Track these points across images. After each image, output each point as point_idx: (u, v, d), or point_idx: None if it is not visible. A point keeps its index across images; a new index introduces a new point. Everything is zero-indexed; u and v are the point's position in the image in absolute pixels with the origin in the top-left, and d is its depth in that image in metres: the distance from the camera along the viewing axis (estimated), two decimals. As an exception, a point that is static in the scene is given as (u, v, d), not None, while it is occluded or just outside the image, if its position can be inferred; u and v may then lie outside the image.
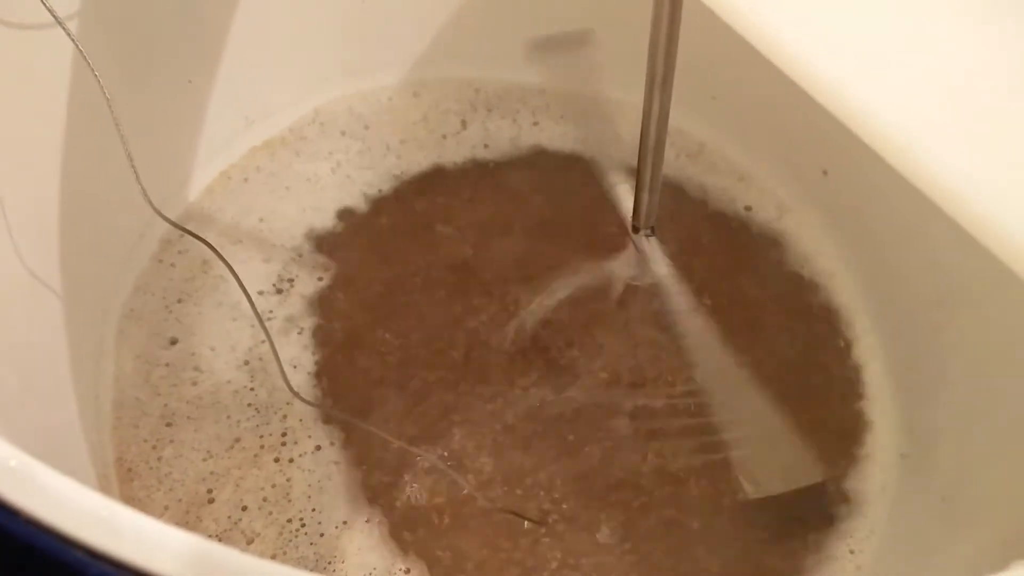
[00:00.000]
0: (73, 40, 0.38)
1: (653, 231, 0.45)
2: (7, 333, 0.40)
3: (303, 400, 0.48)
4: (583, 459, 0.52)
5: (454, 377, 0.55)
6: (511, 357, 0.56)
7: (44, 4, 0.39)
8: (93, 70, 0.38)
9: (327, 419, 0.53)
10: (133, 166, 0.35)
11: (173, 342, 0.55)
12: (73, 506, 0.17)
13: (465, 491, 0.49)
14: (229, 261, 0.55)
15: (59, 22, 0.39)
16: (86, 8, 0.45)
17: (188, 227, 0.61)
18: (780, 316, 0.58)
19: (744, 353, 0.55)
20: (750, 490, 0.51)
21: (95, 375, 0.51)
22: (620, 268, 0.51)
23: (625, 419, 0.54)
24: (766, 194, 0.64)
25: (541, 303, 0.56)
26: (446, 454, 0.52)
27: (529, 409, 0.54)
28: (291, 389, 0.43)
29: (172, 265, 0.58)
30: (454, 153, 0.66)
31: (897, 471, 0.53)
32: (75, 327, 0.48)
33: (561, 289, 0.54)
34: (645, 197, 0.42)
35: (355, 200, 0.63)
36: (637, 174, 0.41)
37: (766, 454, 0.53)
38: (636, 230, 0.45)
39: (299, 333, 0.56)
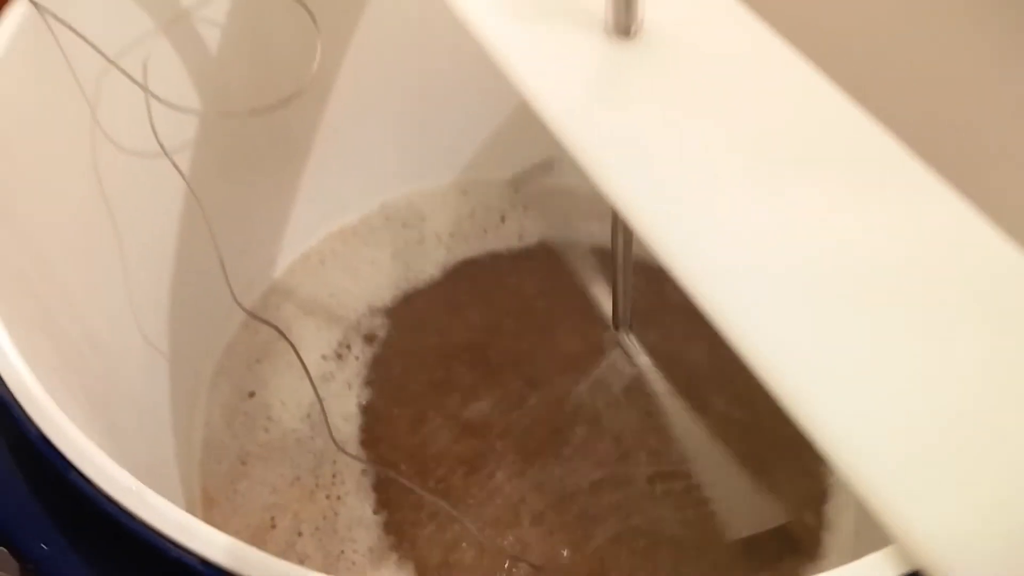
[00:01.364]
0: (179, 171, 0.51)
1: (631, 327, 0.55)
2: (127, 386, 0.54)
3: (345, 452, 0.59)
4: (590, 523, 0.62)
5: (482, 443, 0.66)
6: (528, 431, 0.67)
7: (158, 141, 0.52)
8: (196, 195, 0.51)
9: (368, 467, 0.64)
10: (224, 269, 0.48)
11: (251, 395, 0.68)
12: (165, 516, 0.29)
13: (475, 537, 0.60)
14: (302, 328, 0.69)
15: (166, 154, 0.52)
16: (195, 139, 0.59)
17: (272, 297, 0.75)
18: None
19: (719, 414, 0.64)
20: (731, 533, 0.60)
21: (189, 420, 0.64)
22: (609, 359, 0.62)
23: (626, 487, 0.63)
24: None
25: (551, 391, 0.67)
26: (465, 514, 0.63)
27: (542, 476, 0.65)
28: (336, 443, 0.55)
29: (255, 332, 0.71)
30: (495, 244, 0.78)
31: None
32: (177, 381, 0.61)
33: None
34: (620, 301, 0.53)
35: (409, 282, 0.76)
36: (612, 285, 0.52)
37: (741, 504, 0.62)
38: (617, 327, 0.55)
39: (348, 389, 0.69)
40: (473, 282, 0.76)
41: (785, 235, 0.33)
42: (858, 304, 0.31)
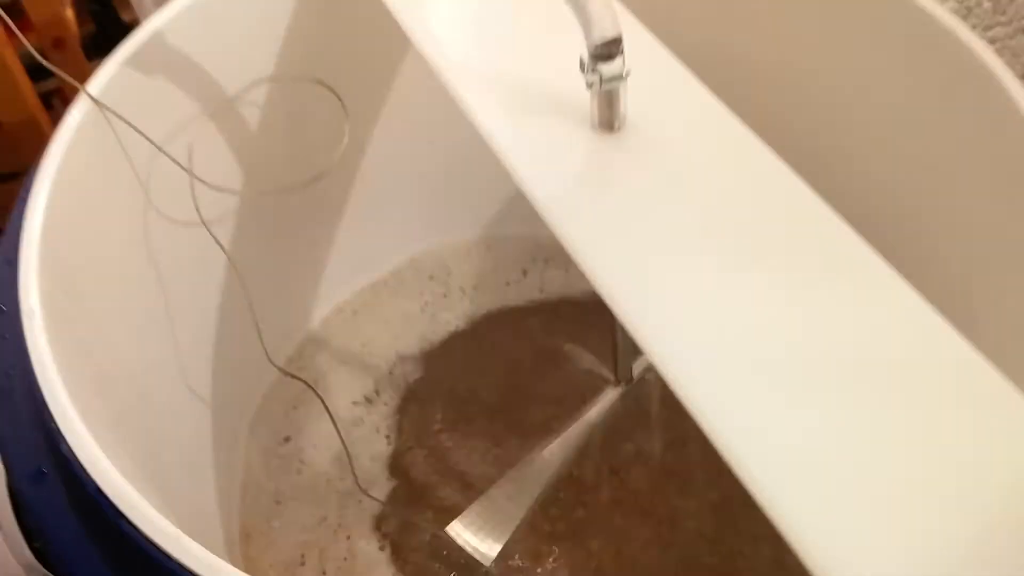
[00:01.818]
0: (219, 243, 0.57)
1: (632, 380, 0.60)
2: (174, 436, 0.59)
3: (367, 494, 0.64)
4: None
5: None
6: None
7: (200, 218, 0.58)
8: (234, 265, 0.56)
9: (388, 509, 0.69)
10: (259, 332, 0.54)
11: (287, 439, 0.74)
12: (200, 559, 0.35)
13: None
14: (335, 376, 0.74)
15: (207, 228, 0.58)
16: (235, 210, 0.65)
17: (308, 347, 0.81)
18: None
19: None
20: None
21: (230, 463, 0.70)
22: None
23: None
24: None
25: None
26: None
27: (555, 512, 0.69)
28: (359, 486, 0.60)
29: (291, 382, 0.76)
30: (516, 296, 0.83)
31: None
32: (219, 429, 0.67)
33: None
34: (620, 358, 0.57)
35: (436, 333, 0.81)
36: (613, 345, 0.57)
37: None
38: (618, 381, 0.60)
39: (377, 432, 0.74)
40: (496, 334, 0.80)
41: (755, 324, 0.37)
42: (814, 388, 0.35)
